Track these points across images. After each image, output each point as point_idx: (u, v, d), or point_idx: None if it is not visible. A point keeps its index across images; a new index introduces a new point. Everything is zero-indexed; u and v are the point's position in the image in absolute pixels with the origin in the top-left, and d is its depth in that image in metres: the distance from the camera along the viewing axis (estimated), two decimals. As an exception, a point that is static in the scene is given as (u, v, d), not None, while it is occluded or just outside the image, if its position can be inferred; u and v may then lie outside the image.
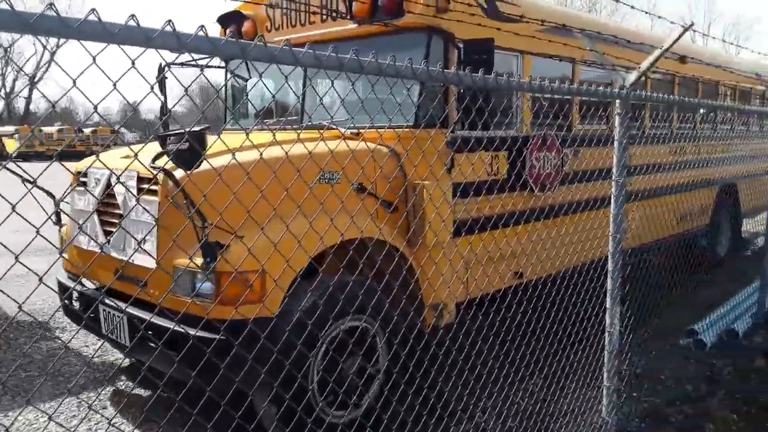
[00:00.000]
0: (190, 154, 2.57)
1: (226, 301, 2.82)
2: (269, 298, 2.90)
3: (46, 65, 54.53)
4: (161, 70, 4.42)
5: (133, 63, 1.35)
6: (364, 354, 3.32)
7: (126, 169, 2.20)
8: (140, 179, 3.23)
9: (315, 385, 3.14)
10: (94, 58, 1.24)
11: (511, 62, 4.54)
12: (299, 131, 4.09)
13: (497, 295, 4.10)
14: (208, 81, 1.98)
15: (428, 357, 2.99)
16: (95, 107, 1.38)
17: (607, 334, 3.32)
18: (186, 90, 1.54)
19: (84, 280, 3.75)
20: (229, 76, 5.08)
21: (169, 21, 1.34)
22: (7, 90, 55.36)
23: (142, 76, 1.41)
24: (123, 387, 4.23)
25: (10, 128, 41.08)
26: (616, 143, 3.25)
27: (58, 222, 4.06)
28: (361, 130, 3.80)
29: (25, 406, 3.85)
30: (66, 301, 3.87)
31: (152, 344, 3.10)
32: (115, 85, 1.30)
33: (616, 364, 3.35)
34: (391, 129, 3.66)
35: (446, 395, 3.21)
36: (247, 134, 1.81)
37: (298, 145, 3.60)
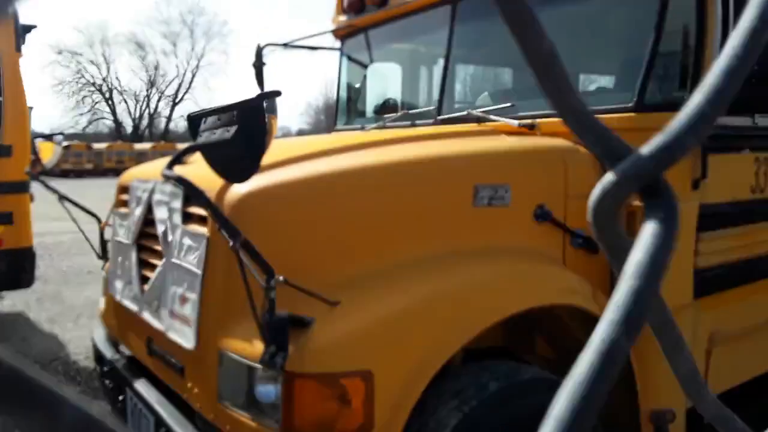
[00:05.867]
0: (244, 148, 1.29)
1: (300, 428, 1.51)
2: (382, 423, 1.55)
3: (187, 87, 58.24)
4: (258, 53, 3.30)
5: None
6: None
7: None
8: (187, 200, 2.01)
9: None
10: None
11: None
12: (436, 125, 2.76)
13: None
14: None
15: None
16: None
17: None
18: None
19: (121, 347, 2.61)
20: (344, 60, 3.84)
21: None
22: (151, 110, 59.49)
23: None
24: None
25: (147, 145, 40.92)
26: None
27: (103, 255, 3.00)
28: (537, 120, 2.39)
29: None
30: (99, 369, 2.76)
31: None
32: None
33: None
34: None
35: None
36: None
37: (433, 145, 2.27)
